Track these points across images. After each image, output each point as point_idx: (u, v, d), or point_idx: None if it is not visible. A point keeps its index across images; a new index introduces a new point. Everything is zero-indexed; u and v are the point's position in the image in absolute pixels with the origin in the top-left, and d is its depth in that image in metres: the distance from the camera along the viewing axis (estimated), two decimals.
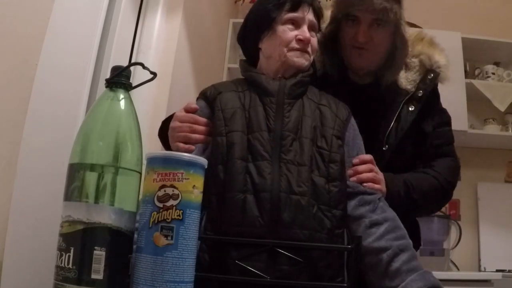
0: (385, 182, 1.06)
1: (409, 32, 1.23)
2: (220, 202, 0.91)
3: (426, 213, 1.36)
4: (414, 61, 1.23)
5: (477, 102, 2.72)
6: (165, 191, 0.67)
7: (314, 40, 1.08)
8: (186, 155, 0.70)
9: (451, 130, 1.28)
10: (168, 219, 0.66)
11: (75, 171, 0.69)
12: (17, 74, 0.96)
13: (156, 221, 0.66)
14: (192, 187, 0.68)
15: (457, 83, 2.55)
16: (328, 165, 0.95)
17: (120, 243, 0.68)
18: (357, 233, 0.93)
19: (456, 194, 2.87)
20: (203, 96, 1.07)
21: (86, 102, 1.21)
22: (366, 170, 1.01)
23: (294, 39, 1.04)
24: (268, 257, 0.86)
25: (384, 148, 1.16)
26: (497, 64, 2.83)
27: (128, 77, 0.76)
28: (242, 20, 1.16)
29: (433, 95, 1.25)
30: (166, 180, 0.67)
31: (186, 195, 0.67)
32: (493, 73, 2.78)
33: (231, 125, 0.97)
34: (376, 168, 1.04)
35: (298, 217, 0.89)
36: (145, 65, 0.79)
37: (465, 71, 2.72)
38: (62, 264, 0.65)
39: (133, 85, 0.78)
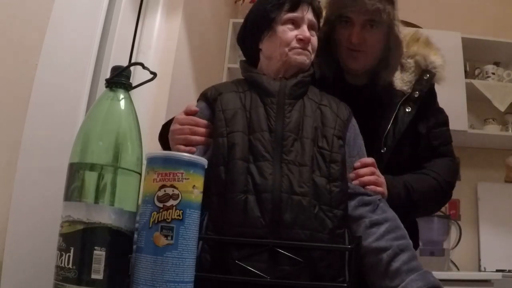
0: (386, 184, 1.06)
1: (404, 32, 1.22)
2: (221, 203, 0.91)
3: (425, 213, 1.36)
4: (410, 62, 1.23)
5: (477, 102, 2.72)
6: (165, 191, 0.67)
7: (314, 40, 1.08)
8: (186, 155, 0.70)
9: (448, 130, 1.28)
10: (168, 219, 0.66)
11: (75, 171, 0.69)
12: (17, 74, 0.96)
13: (156, 221, 0.66)
14: (192, 187, 0.68)
15: (457, 83, 2.55)
16: (329, 165, 0.95)
17: (120, 243, 0.68)
18: (357, 233, 0.93)
19: (456, 194, 2.87)
20: (204, 97, 1.07)
21: (86, 102, 1.21)
22: (367, 173, 1.01)
23: (294, 39, 1.04)
24: (269, 257, 0.86)
25: (382, 151, 1.16)
26: (497, 64, 2.83)
27: (128, 77, 0.76)
28: (242, 20, 1.16)
29: (430, 96, 1.25)
30: (166, 180, 0.67)
31: (186, 195, 0.67)
32: (493, 73, 2.78)
33: (232, 126, 0.97)
34: (378, 171, 1.04)
35: (300, 218, 0.89)
36: (145, 65, 0.79)
37: (465, 71, 2.72)
38: (62, 264, 0.64)
39: (133, 85, 0.78)
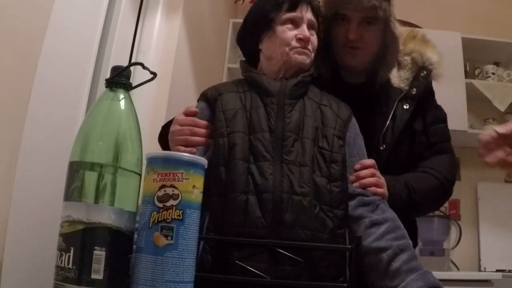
0: (387, 185, 1.06)
1: (401, 30, 1.23)
2: (222, 203, 0.91)
3: (427, 212, 1.36)
4: (406, 59, 1.24)
5: (477, 102, 2.72)
6: (165, 191, 0.67)
7: (314, 39, 1.08)
8: (186, 155, 0.70)
9: (447, 127, 1.28)
10: (168, 219, 0.66)
11: (75, 171, 0.69)
12: (17, 74, 0.96)
13: (156, 221, 0.66)
14: (192, 187, 0.68)
15: (457, 83, 2.55)
16: (330, 165, 0.95)
17: (120, 243, 0.68)
18: (357, 233, 0.93)
19: (456, 194, 2.87)
20: (204, 97, 1.07)
21: (86, 102, 1.21)
22: (368, 175, 1.01)
23: (294, 39, 1.04)
24: (270, 258, 0.86)
25: (381, 148, 1.16)
26: (497, 64, 2.83)
27: (128, 77, 0.76)
28: (242, 20, 1.16)
29: (428, 93, 1.25)
30: (166, 180, 0.67)
31: (186, 195, 0.67)
32: (493, 73, 2.78)
33: (232, 126, 0.97)
34: (378, 172, 1.04)
35: (300, 218, 0.89)
36: (145, 65, 0.79)
37: (465, 71, 2.72)
38: (62, 264, 0.64)
39: (133, 85, 0.78)
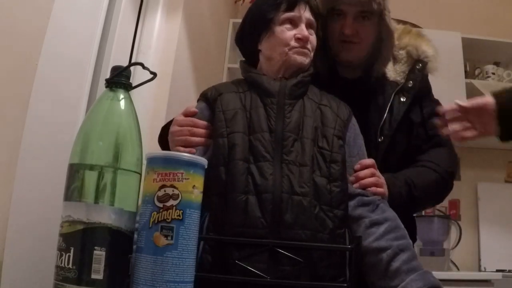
0: (387, 184, 1.06)
1: (396, 26, 1.24)
2: (222, 203, 0.91)
3: (429, 207, 1.37)
4: (402, 53, 1.25)
5: None
6: (165, 191, 0.67)
7: (313, 38, 1.08)
8: (186, 155, 0.70)
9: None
10: (168, 219, 0.66)
11: (75, 171, 0.69)
12: (17, 74, 0.96)
13: (156, 221, 0.66)
14: (192, 187, 0.68)
15: (457, 83, 2.55)
16: (330, 165, 0.95)
17: (120, 243, 0.68)
18: (357, 233, 0.93)
19: (456, 194, 2.87)
20: (204, 97, 1.07)
21: (86, 102, 1.21)
22: (368, 175, 1.01)
23: (293, 38, 1.04)
24: (270, 258, 0.86)
25: (379, 140, 1.17)
26: (497, 64, 2.83)
27: (128, 77, 0.76)
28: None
29: (424, 85, 1.26)
30: (166, 180, 0.67)
31: (186, 195, 0.67)
32: (493, 73, 2.78)
33: (232, 126, 0.97)
34: (378, 172, 1.04)
35: (300, 218, 0.89)
36: (145, 65, 0.79)
37: (465, 71, 2.71)
38: (62, 264, 0.65)
39: (133, 85, 0.78)
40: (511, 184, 2.80)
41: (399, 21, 1.31)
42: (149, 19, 1.69)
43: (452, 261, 2.60)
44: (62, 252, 0.65)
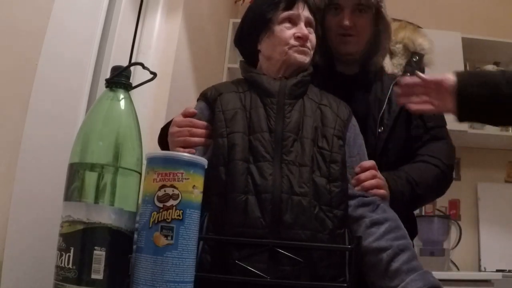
0: (388, 183, 1.06)
1: (392, 21, 1.26)
2: (222, 203, 0.91)
3: (429, 202, 1.37)
4: (398, 47, 1.27)
5: None
6: (165, 191, 0.67)
7: (313, 37, 1.08)
8: (186, 155, 0.70)
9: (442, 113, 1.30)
10: (168, 219, 0.66)
11: (75, 171, 0.69)
12: (17, 73, 0.96)
13: (156, 221, 0.66)
14: (192, 187, 0.68)
15: None
16: (329, 165, 0.95)
17: (120, 243, 0.68)
18: (357, 233, 0.93)
19: (456, 194, 2.86)
20: (204, 97, 1.07)
21: (86, 102, 1.21)
22: (369, 177, 1.01)
23: (293, 37, 1.04)
24: (270, 258, 0.86)
25: (379, 130, 1.18)
26: (497, 64, 2.83)
27: (128, 77, 0.76)
28: None
29: None
30: (166, 180, 0.67)
31: (186, 195, 0.67)
32: None
33: (232, 126, 0.97)
34: (378, 173, 1.04)
35: (300, 218, 0.89)
36: (145, 65, 0.79)
37: None
38: (62, 264, 0.64)
39: (133, 85, 0.78)
40: (511, 184, 2.80)
41: (398, 21, 1.32)
42: (149, 19, 1.69)
43: (452, 261, 2.60)
44: (62, 252, 0.65)
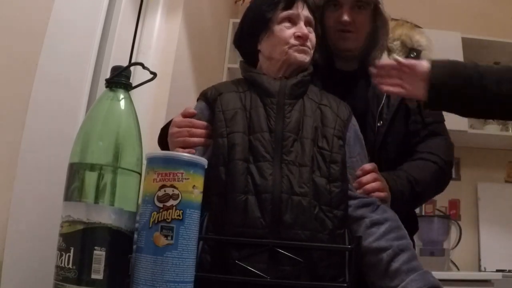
0: (388, 183, 1.06)
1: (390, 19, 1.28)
2: (221, 203, 0.91)
3: (429, 199, 1.37)
4: (396, 44, 1.28)
5: None
6: (165, 191, 0.67)
7: (313, 36, 1.08)
8: (186, 155, 0.70)
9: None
10: (168, 219, 0.66)
11: (75, 171, 0.69)
12: (17, 74, 0.96)
13: (156, 221, 0.66)
14: (192, 187, 0.68)
15: None
16: (329, 165, 0.95)
17: (120, 243, 0.68)
18: (357, 233, 0.93)
19: (456, 194, 2.85)
20: (204, 97, 1.07)
21: (86, 102, 1.21)
22: (370, 180, 1.01)
23: (293, 37, 1.04)
24: (270, 258, 0.86)
25: (378, 124, 1.19)
26: (497, 64, 2.82)
27: (128, 77, 0.76)
28: None
29: None
30: (166, 180, 0.67)
31: (186, 195, 0.67)
32: None
33: (232, 126, 0.97)
34: (379, 175, 1.04)
35: (300, 218, 0.89)
36: (145, 65, 0.79)
37: None
38: (62, 264, 0.64)
39: (133, 85, 0.78)
40: (511, 184, 2.80)
41: (396, 20, 1.33)
42: (149, 19, 1.69)
43: (452, 261, 2.60)
44: (62, 252, 0.65)
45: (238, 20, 1.17)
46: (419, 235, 2.37)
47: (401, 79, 1.04)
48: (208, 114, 1.04)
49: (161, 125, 1.18)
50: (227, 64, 2.64)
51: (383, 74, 1.06)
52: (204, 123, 1.03)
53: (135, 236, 0.70)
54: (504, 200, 2.73)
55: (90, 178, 0.69)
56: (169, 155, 0.70)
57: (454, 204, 2.76)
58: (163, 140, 1.11)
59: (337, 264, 0.90)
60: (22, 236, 0.94)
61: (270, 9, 1.06)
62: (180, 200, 0.67)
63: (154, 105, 1.63)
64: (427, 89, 0.99)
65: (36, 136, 0.99)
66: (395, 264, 0.88)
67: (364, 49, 1.23)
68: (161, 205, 0.66)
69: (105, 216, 0.67)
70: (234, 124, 0.97)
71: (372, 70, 1.08)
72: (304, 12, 1.07)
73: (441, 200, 2.70)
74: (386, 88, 1.06)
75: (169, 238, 0.66)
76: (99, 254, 0.65)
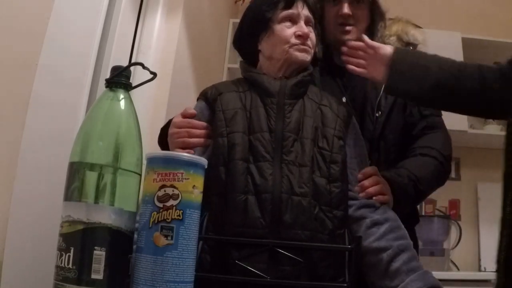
0: (390, 184, 1.06)
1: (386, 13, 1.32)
2: (221, 203, 0.91)
3: (431, 193, 1.38)
4: (392, 39, 1.31)
5: None
6: (165, 191, 0.67)
7: (313, 35, 1.08)
8: (186, 155, 0.70)
9: None
10: (168, 219, 0.66)
11: (75, 171, 0.69)
12: (17, 74, 0.96)
13: (156, 221, 0.66)
14: (192, 187, 0.68)
15: None
16: (330, 165, 0.95)
17: (120, 243, 0.68)
18: (358, 233, 0.93)
19: (456, 194, 2.85)
20: (204, 96, 1.07)
21: (86, 102, 1.21)
22: (373, 184, 1.01)
23: (293, 36, 1.04)
24: (269, 258, 0.86)
25: (377, 115, 1.21)
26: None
27: (128, 77, 0.76)
28: None
29: None
30: (166, 180, 0.67)
31: (186, 195, 0.67)
32: None
33: (232, 126, 0.97)
34: (381, 178, 1.04)
35: (300, 218, 0.89)
36: (145, 65, 0.79)
37: None
38: (62, 264, 0.64)
39: (133, 85, 0.78)
40: None
41: (392, 19, 1.36)
42: (149, 19, 1.69)
43: (452, 261, 2.59)
44: (62, 252, 0.65)
45: (238, 20, 1.17)
46: (419, 235, 2.36)
47: (365, 59, 1.07)
48: (208, 113, 1.04)
49: (161, 125, 1.18)
50: (227, 64, 2.64)
51: (352, 54, 1.10)
52: (203, 123, 1.03)
53: (135, 236, 0.70)
54: None
55: (90, 178, 0.69)
56: (169, 155, 0.70)
57: (454, 204, 2.76)
58: (163, 140, 1.11)
59: (337, 264, 0.90)
60: (22, 236, 0.94)
61: (270, 8, 1.06)
62: (180, 200, 0.67)
63: (154, 105, 1.63)
64: (386, 74, 1.02)
65: (36, 136, 0.99)
66: (395, 264, 0.88)
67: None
68: (161, 205, 0.66)
69: (105, 216, 0.67)
70: (234, 124, 0.97)
71: (343, 49, 1.12)
72: (304, 11, 1.07)
73: (441, 200, 2.70)
74: (351, 67, 1.09)
75: (169, 238, 0.66)
76: (99, 254, 0.65)
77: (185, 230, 0.67)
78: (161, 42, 1.71)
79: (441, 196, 2.68)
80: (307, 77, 1.06)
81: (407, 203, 1.08)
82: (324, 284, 0.88)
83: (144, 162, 0.72)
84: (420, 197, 1.19)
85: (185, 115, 1.06)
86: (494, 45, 2.74)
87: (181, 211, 0.67)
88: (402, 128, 1.24)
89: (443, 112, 1.31)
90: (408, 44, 1.30)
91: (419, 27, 1.75)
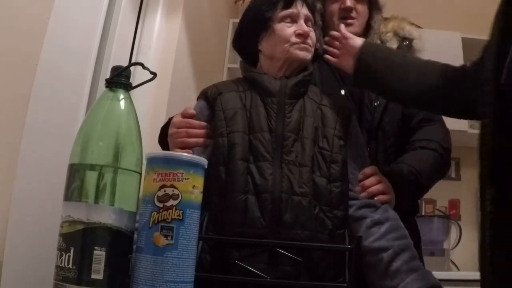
0: (391, 181, 1.06)
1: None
2: (221, 203, 0.91)
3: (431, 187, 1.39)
4: (389, 35, 1.34)
5: None
6: (165, 191, 0.67)
7: (313, 34, 1.08)
8: (186, 155, 0.70)
9: None
10: (168, 219, 0.66)
11: (75, 171, 0.69)
12: (17, 74, 0.96)
13: (156, 221, 0.66)
14: (192, 187, 0.68)
15: None
16: (330, 165, 0.95)
17: (120, 243, 0.68)
18: (358, 232, 0.93)
19: (456, 194, 2.84)
20: (204, 96, 1.07)
21: (86, 102, 1.21)
22: (374, 183, 1.01)
23: (293, 35, 1.04)
24: (269, 258, 0.86)
25: (375, 104, 1.22)
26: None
27: (128, 77, 0.76)
28: None
29: None
30: (166, 180, 0.67)
31: (186, 195, 0.67)
32: None
33: (232, 126, 0.97)
34: (382, 177, 1.04)
35: (300, 218, 0.89)
36: (145, 65, 0.79)
37: None
38: (62, 264, 0.64)
39: (133, 85, 0.78)
40: None
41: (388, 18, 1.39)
42: (149, 19, 1.69)
43: (452, 261, 2.60)
44: (62, 252, 0.65)
45: (238, 20, 1.17)
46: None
47: (339, 49, 1.11)
48: (208, 113, 1.04)
49: (161, 125, 1.18)
50: (227, 64, 2.64)
51: (331, 43, 1.13)
52: (202, 123, 1.03)
53: (135, 236, 0.70)
54: None
55: (90, 178, 0.69)
56: (169, 155, 0.70)
57: (454, 204, 2.76)
58: (164, 139, 1.11)
59: (337, 264, 0.90)
60: (22, 236, 0.94)
61: (269, 8, 1.06)
62: (180, 200, 0.67)
63: (154, 105, 1.63)
64: (353, 66, 1.04)
65: (36, 136, 0.99)
66: (396, 264, 0.88)
67: (362, 35, 1.26)
68: (161, 205, 0.66)
69: (105, 216, 0.67)
70: (234, 124, 0.97)
71: (326, 39, 1.16)
72: (303, 10, 1.07)
73: (441, 200, 2.70)
74: (326, 56, 1.13)
75: (169, 238, 0.66)
76: (99, 254, 0.65)
77: (185, 230, 0.67)
78: (161, 42, 1.71)
79: (441, 196, 2.69)
80: (308, 77, 1.06)
81: (409, 197, 1.09)
82: (324, 284, 0.88)
83: (144, 162, 0.72)
84: (422, 190, 1.20)
85: (184, 115, 1.06)
86: None
87: (181, 211, 0.67)
88: (400, 118, 1.25)
89: None
90: (404, 38, 1.33)
91: (419, 26, 1.76)
